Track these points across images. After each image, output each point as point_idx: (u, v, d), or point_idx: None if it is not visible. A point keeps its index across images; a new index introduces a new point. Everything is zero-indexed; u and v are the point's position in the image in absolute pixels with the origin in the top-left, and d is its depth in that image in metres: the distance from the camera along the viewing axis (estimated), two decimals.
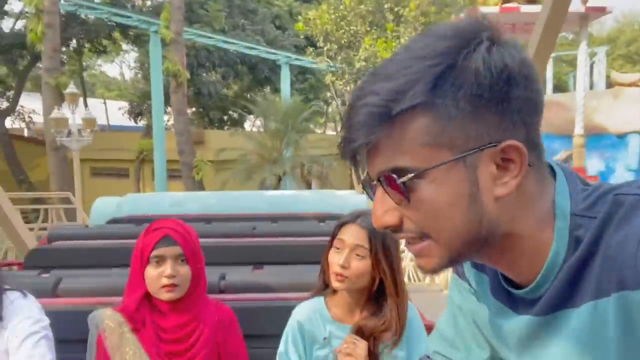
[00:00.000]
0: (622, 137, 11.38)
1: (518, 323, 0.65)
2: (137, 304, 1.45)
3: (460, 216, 0.57)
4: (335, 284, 1.37)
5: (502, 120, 0.56)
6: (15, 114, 19.98)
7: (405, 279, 8.02)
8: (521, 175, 0.56)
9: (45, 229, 7.78)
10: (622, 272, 0.53)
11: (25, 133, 21.14)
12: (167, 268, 1.40)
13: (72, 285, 1.88)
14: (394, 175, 0.56)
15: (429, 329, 1.16)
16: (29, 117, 20.52)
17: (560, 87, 18.77)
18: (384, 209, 0.60)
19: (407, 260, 7.05)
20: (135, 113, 22.01)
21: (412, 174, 0.56)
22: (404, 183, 0.56)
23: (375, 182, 0.60)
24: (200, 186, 13.10)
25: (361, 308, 1.44)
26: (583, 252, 0.57)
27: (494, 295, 0.69)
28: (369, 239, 1.35)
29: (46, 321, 1.38)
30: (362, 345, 1.31)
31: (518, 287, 0.64)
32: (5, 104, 19.00)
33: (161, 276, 1.40)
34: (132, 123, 22.59)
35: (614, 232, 0.55)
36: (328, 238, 2.83)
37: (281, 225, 3.10)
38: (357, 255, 1.35)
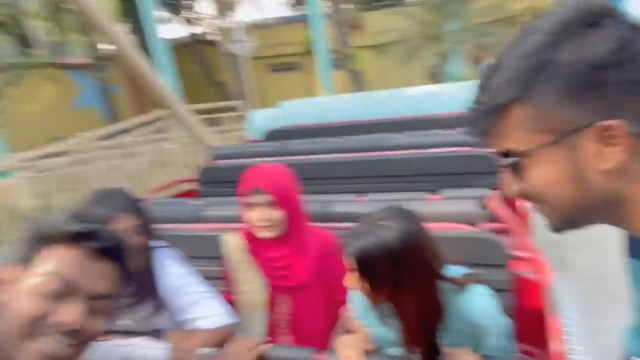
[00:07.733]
0: None
1: None
2: (248, 234, 1.68)
3: (564, 191, 0.63)
4: None
5: (602, 101, 0.59)
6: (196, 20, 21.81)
7: None
8: (624, 149, 0.59)
9: (224, 131, 8.98)
10: None
11: None
12: (258, 213, 1.59)
13: (212, 213, 2.26)
14: (505, 156, 0.67)
15: None
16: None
17: None
18: (510, 180, 0.70)
19: None
20: (294, 1, 21.99)
21: (517, 156, 0.65)
22: (512, 163, 0.66)
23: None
24: (360, 75, 12.98)
25: None
26: None
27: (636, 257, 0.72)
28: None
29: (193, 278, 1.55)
30: None
31: None
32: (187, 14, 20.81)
33: (254, 219, 1.60)
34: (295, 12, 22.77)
35: None
36: (453, 149, 2.76)
37: (407, 137, 3.12)
38: None
